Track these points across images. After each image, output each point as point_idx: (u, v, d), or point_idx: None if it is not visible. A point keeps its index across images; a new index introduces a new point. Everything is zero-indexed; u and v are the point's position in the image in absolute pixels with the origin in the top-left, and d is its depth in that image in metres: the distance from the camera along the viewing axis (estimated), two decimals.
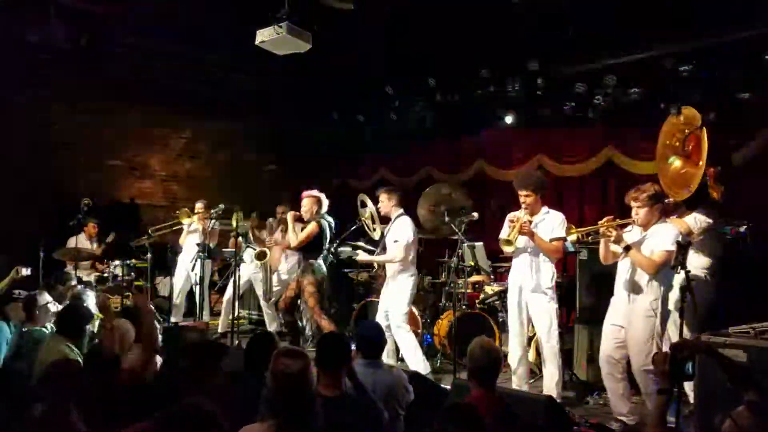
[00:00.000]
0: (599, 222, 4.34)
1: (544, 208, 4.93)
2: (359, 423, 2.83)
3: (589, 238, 5.07)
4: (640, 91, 6.35)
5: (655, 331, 4.14)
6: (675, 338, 4.11)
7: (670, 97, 5.97)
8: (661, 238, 4.14)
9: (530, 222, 4.80)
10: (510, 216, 4.93)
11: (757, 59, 5.57)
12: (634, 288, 4.24)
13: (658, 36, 6.11)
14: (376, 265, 6.80)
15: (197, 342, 3.26)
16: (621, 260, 4.36)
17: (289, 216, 6.21)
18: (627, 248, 4.21)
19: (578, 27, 6.39)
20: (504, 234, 4.90)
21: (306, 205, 6.16)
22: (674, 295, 4.13)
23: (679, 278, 4.72)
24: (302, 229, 6.14)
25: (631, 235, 4.34)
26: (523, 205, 4.87)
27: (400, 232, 5.59)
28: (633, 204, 4.28)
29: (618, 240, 4.23)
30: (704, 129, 4.46)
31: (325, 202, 6.28)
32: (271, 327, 7.13)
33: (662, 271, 4.13)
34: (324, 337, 3.21)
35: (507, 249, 4.93)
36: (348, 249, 6.11)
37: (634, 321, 4.20)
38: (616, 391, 4.37)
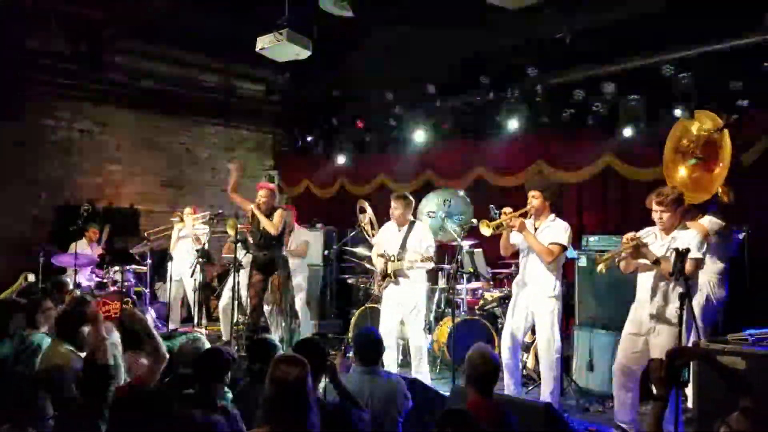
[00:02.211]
0: (622, 242, 4.18)
1: (552, 216, 4.87)
2: (330, 428, 2.82)
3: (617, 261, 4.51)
4: (640, 98, 6.36)
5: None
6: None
7: (670, 104, 6.01)
8: (689, 245, 3.93)
9: (523, 219, 4.79)
10: (505, 209, 4.90)
11: (757, 66, 5.59)
12: (662, 296, 4.13)
13: (657, 42, 6.14)
14: (379, 271, 6.57)
15: (207, 353, 3.27)
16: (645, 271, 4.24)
17: (254, 208, 6.23)
18: (657, 262, 4.05)
19: (577, 33, 6.42)
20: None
21: (264, 195, 6.26)
22: (696, 301, 4.11)
23: (704, 283, 4.79)
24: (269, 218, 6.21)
25: (654, 246, 4.18)
26: (529, 206, 4.84)
27: (430, 238, 5.57)
28: (657, 208, 4.14)
29: (647, 256, 4.07)
30: (725, 131, 4.44)
31: (279, 196, 6.47)
32: (276, 333, 7.13)
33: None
34: (300, 343, 3.22)
35: (483, 231, 4.88)
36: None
37: (661, 329, 4.11)
38: (625, 401, 4.29)
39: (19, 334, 4.15)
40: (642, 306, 4.25)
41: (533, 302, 4.83)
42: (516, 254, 5.14)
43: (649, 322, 4.17)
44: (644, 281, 4.26)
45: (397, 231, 5.65)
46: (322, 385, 3.28)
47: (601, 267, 4.31)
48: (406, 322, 5.58)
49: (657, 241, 4.22)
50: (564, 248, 4.80)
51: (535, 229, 4.82)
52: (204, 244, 7.36)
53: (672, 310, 4.06)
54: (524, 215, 4.82)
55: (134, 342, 3.56)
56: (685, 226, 4.27)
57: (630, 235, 4.17)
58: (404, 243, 5.52)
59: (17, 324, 4.20)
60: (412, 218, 5.73)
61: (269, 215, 6.20)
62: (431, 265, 5.43)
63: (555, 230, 4.79)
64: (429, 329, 6.48)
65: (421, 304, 5.59)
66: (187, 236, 7.70)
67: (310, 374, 2.58)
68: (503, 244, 4.98)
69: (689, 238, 4.07)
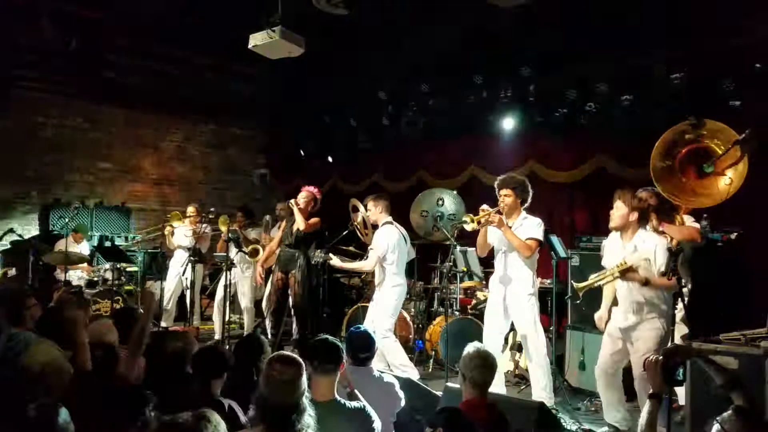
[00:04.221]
0: (619, 268, 4.12)
1: (523, 214, 4.92)
2: (348, 429, 2.80)
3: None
4: (632, 98, 6.37)
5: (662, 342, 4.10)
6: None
7: (662, 104, 6.02)
8: (663, 250, 3.98)
9: (501, 216, 4.80)
10: (482, 206, 4.92)
11: (748, 67, 5.61)
12: (641, 300, 4.12)
13: (650, 43, 6.15)
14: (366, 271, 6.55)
15: (204, 351, 3.27)
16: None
17: (293, 202, 6.30)
18: (647, 283, 4.05)
19: (571, 33, 6.43)
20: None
21: (304, 197, 6.31)
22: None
23: None
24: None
25: (616, 251, 4.25)
26: (501, 205, 4.88)
27: (378, 241, 5.55)
28: (618, 202, 4.22)
29: (635, 278, 4.09)
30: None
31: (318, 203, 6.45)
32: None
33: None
34: (319, 342, 3.18)
35: (467, 226, 4.87)
36: (320, 252, 6.02)
37: (643, 332, 4.10)
38: (611, 400, 4.34)
39: (5, 332, 4.10)
40: (621, 309, 4.27)
41: (512, 300, 4.86)
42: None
43: (628, 324, 4.18)
44: (621, 285, 4.28)
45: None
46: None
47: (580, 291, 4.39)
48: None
49: (619, 248, 4.25)
50: (540, 243, 4.86)
51: (509, 227, 4.85)
52: (206, 241, 7.39)
53: (654, 313, 4.09)
54: (499, 213, 4.84)
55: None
56: (645, 230, 4.23)
57: (620, 265, 4.10)
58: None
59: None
60: (387, 219, 5.68)
61: (306, 219, 6.25)
62: (356, 265, 5.91)
63: (529, 227, 4.85)
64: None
65: (386, 305, 5.53)
66: (187, 235, 7.64)
67: (306, 374, 2.56)
68: (480, 243, 5.03)
69: (653, 245, 4.05)
